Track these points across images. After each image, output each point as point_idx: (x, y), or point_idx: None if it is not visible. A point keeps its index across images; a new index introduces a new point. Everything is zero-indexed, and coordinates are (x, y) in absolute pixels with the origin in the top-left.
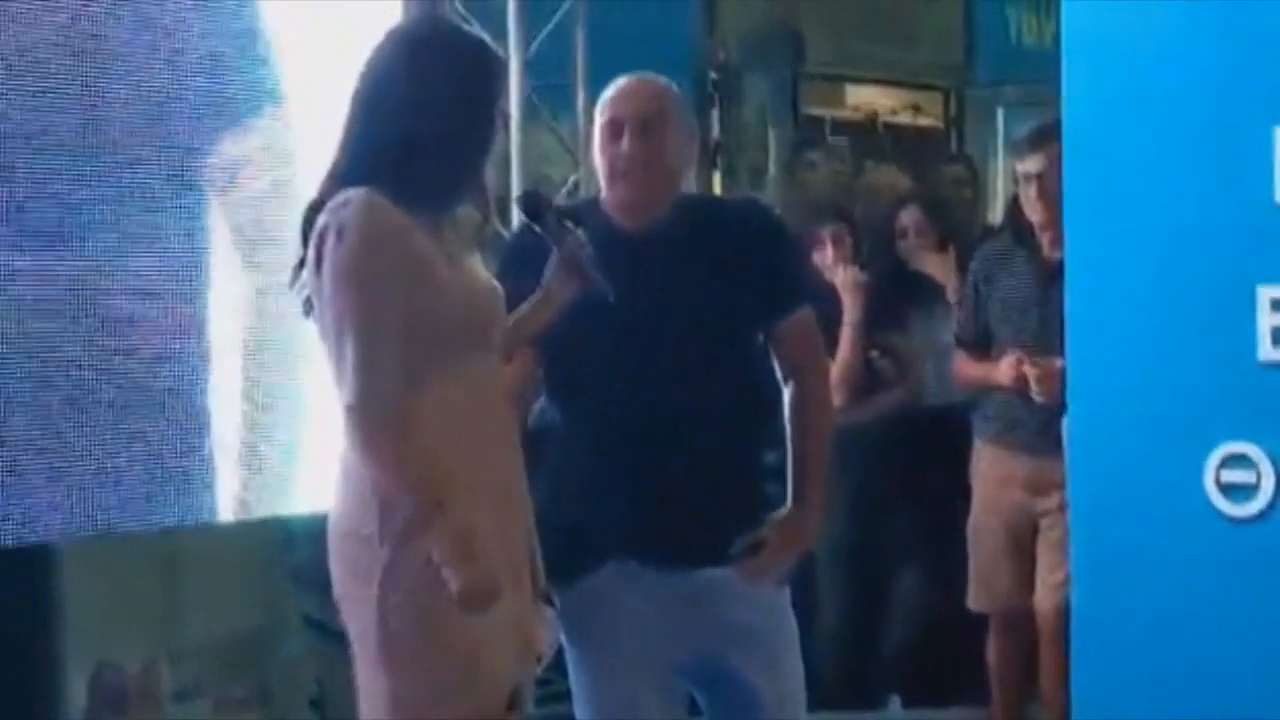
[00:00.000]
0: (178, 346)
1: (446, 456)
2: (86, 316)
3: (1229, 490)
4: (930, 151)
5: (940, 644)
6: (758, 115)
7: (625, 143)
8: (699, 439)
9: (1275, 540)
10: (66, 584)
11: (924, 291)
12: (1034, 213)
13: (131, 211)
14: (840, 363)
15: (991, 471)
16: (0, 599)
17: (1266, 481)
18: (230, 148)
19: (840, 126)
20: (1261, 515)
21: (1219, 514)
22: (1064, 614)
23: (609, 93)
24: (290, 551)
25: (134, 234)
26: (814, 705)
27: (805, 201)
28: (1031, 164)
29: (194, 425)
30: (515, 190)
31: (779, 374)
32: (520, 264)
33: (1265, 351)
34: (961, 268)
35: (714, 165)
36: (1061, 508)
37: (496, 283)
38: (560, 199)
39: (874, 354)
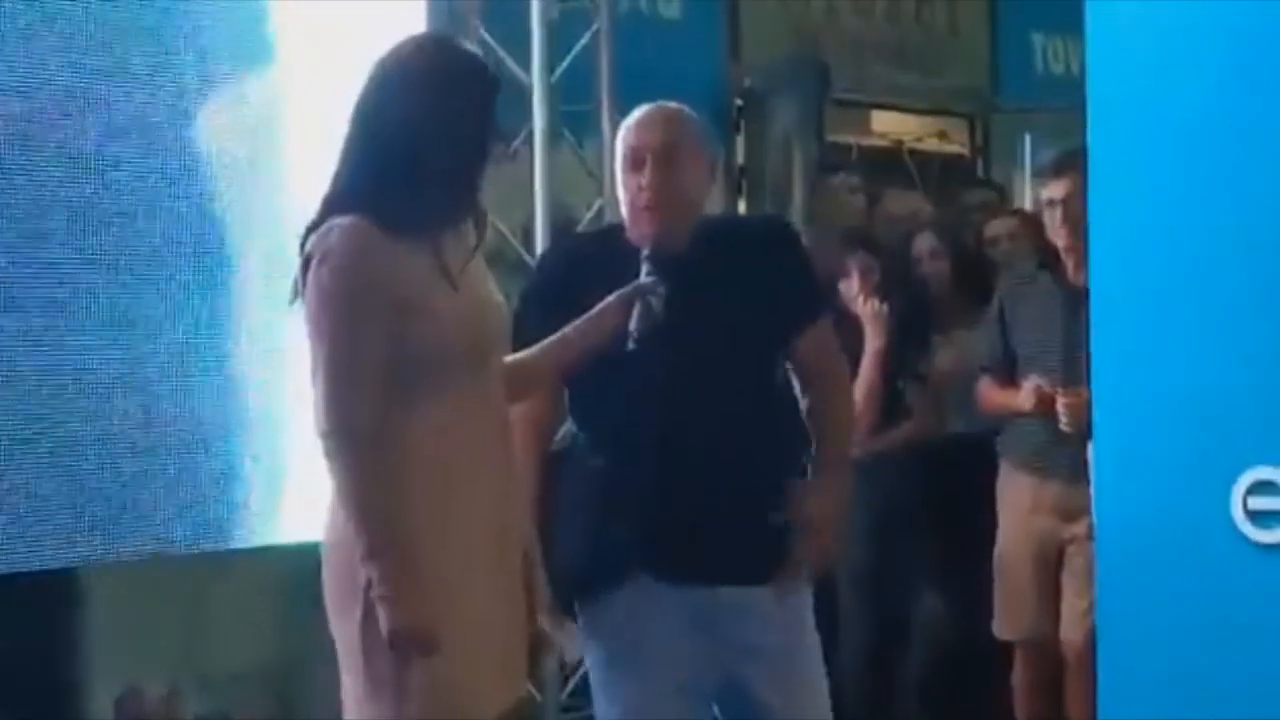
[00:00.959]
0: (203, 371)
1: (423, 489)
2: (111, 339)
3: (1256, 516)
4: (956, 178)
5: (966, 672)
6: (782, 141)
7: (644, 175)
8: (720, 457)
9: None
10: (91, 609)
11: (946, 317)
12: (1058, 238)
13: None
14: (863, 390)
15: (1018, 498)
16: (26, 624)
17: None
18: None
19: (865, 153)
20: None
21: (1246, 540)
22: (1092, 642)
23: (628, 123)
24: (316, 577)
25: (163, 253)
26: None
27: (824, 228)
28: (1056, 189)
29: (221, 450)
30: (539, 215)
31: (797, 385)
32: (546, 294)
33: None
34: (972, 294)
35: (738, 191)
36: (1088, 534)
37: (501, 302)
38: (584, 224)
39: (900, 383)
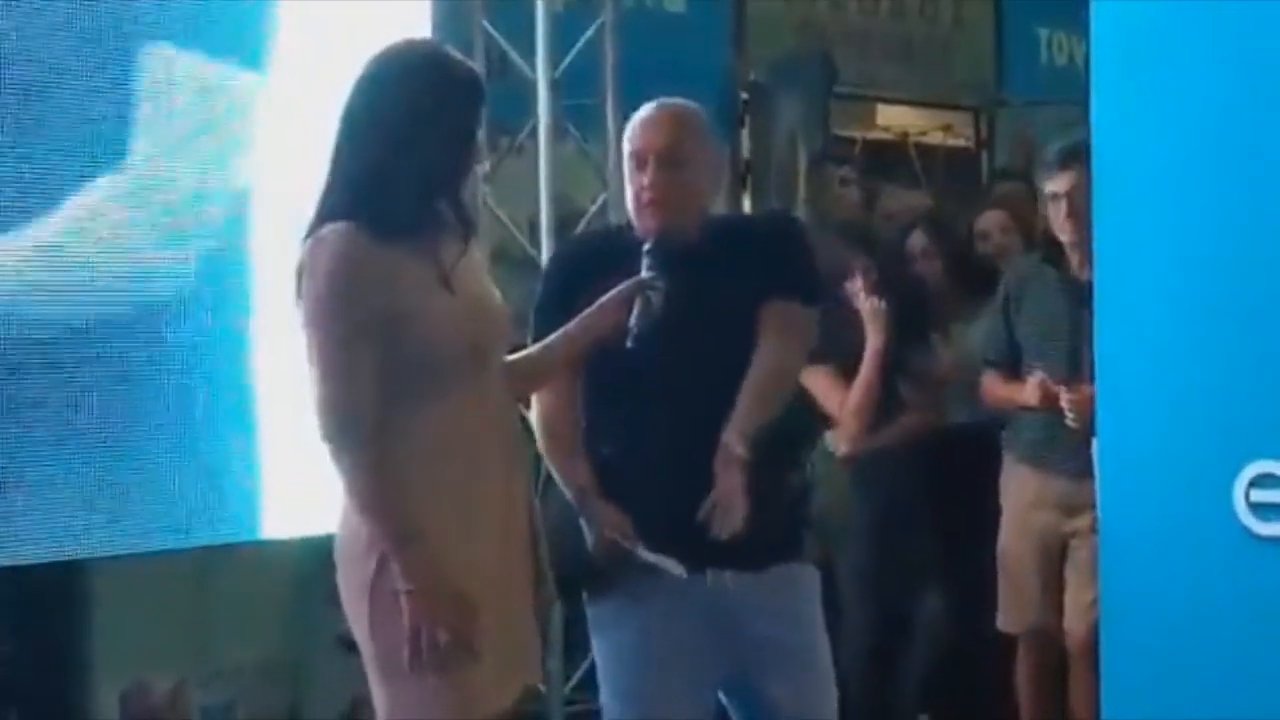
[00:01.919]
0: (214, 364)
1: (429, 482)
2: (120, 332)
3: (1259, 509)
4: (961, 172)
5: (969, 665)
6: (787, 135)
7: (647, 174)
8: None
9: None
10: (98, 602)
11: (942, 314)
12: (1062, 232)
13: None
14: (862, 387)
15: (1021, 491)
16: (33, 616)
17: None
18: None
19: (870, 146)
20: None
21: (1249, 533)
22: (1095, 636)
23: (633, 121)
24: (323, 571)
25: (179, 244)
26: None
27: (820, 221)
28: (1060, 183)
29: (229, 444)
30: (544, 209)
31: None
32: (558, 292)
33: None
34: (967, 289)
35: (743, 186)
36: (1092, 528)
37: (499, 300)
38: (589, 218)
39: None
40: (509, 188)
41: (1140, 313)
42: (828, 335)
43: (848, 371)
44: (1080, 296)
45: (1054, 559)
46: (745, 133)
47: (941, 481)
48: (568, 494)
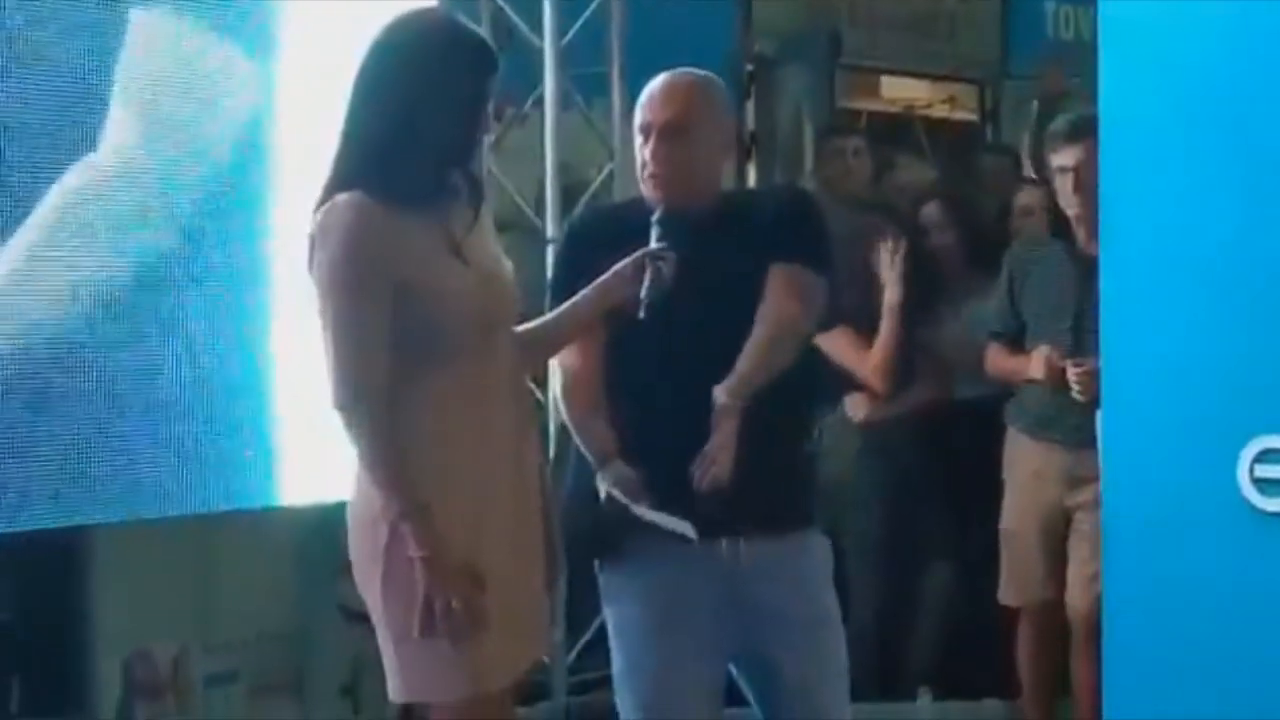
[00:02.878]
0: (215, 333)
1: (441, 450)
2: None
3: (1263, 485)
4: (966, 144)
5: (971, 637)
6: (793, 107)
7: (651, 147)
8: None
9: None
10: (101, 570)
11: (953, 285)
12: (1069, 206)
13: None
14: (882, 345)
15: (1025, 465)
16: (36, 585)
17: None
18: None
19: (875, 119)
20: None
21: (1253, 508)
22: (1097, 610)
23: (644, 93)
24: (325, 539)
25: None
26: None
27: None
28: (1067, 157)
29: (231, 412)
30: (549, 179)
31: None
32: (573, 265)
33: None
34: (983, 261)
35: (749, 157)
36: (1095, 502)
37: (509, 269)
38: (594, 188)
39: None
40: (514, 157)
41: (1146, 287)
42: (845, 300)
43: (866, 335)
44: (1086, 270)
45: (1057, 532)
46: (751, 104)
47: (950, 454)
48: (589, 457)
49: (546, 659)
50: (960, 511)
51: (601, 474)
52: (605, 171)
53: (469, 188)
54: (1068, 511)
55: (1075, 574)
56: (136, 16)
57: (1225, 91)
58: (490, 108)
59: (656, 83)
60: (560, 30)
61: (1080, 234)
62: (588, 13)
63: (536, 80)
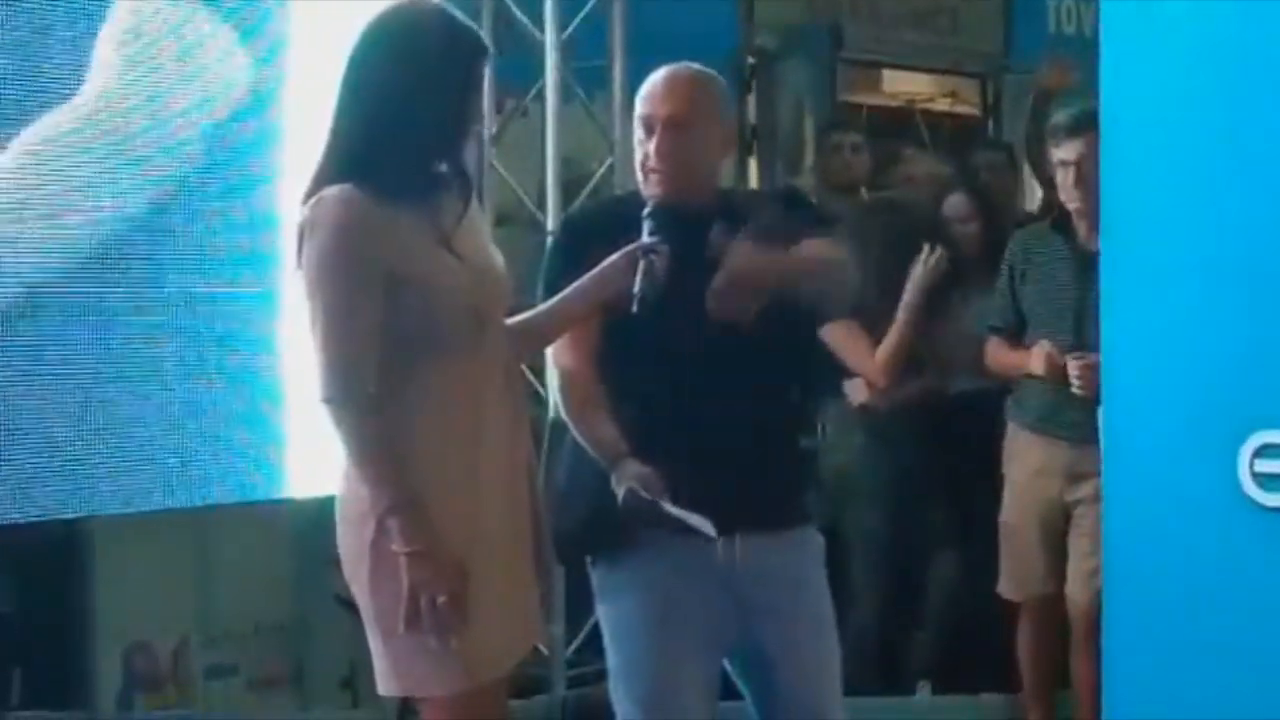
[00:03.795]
0: (219, 330)
1: (431, 444)
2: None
3: (1263, 479)
4: (967, 139)
5: (971, 631)
6: (794, 101)
7: (654, 142)
8: (733, 412)
9: None
10: (101, 562)
11: (963, 277)
12: (1071, 200)
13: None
14: (891, 343)
15: (1026, 459)
16: (36, 576)
17: None
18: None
19: (877, 112)
20: None
21: (1253, 503)
22: (1097, 604)
23: (642, 88)
24: (323, 532)
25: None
26: (844, 691)
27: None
28: (1069, 151)
29: (231, 406)
30: (550, 172)
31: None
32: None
33: None
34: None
35: (749, 152)
36: (1095, 496)
37: (500, 262)
38: (595, 181)
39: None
40: (515, 151)
41: (1147, 281)
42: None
43: (869, 329)
44: (1087, 264)
45: (1057, 527)
46: (751, 98)
47: (953, 447)
48: (596, 457)
49: (545, 650)
50: (961, 504)
51: (616, 473)
52: (606, 165)
53: (458, 180)
54: (1068, 506)
55: (1075, 568)
56: None
57: (1226, 86)
58: (483, 96)
59: (658, 76)
60: (561, 23)
61: (1081, 228)
62: (589, 6)
63: (537, 73)
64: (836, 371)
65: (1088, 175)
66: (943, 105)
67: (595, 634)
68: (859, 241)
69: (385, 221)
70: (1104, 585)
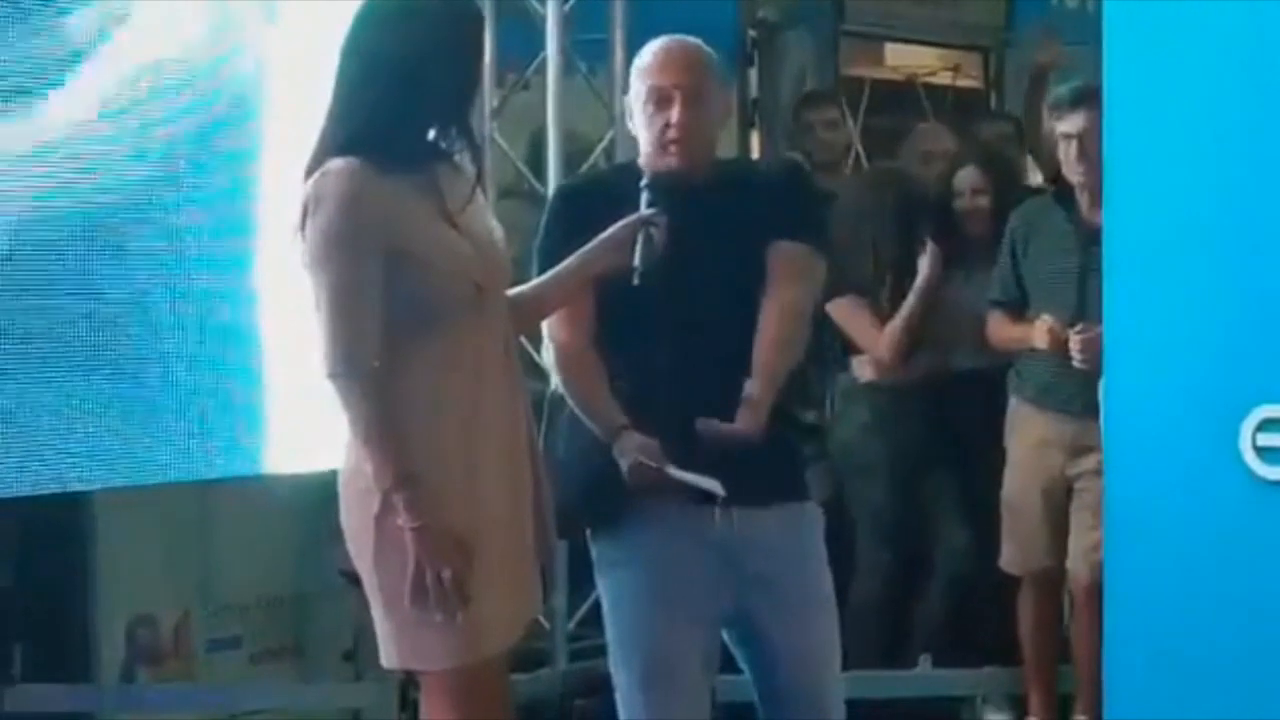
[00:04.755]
0: (220, 301)
1: (433, 418)
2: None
3: (1265, 453)
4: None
5: (972, 605)
6: (796, 74)
7: (675, 113)
8: (733, 385)
9: None
10: (104, 535)
11: (969, 252)
12: (1073, 174)
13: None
14: (900, 322)
15: (1028, 433)
16: (39, 549)
17: None
18: None
19: (879, 86)
20: None
21: (1255, 476)
22: (1099, 578)
23: (648, 59)
24: (326, 505)
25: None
26: (845, 665)
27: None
28: (1071, 124)
29: (233, 378)
30: (551, 144)
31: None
32: (562, 230)
33: None
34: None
35: (751, 124)
36: (1097, 470)
37: (502, 235)
38: (596, 154)
39: None
40: (516, 124)
41: (1149, 255)
42: (857, 270)
43: (875, 305)
44: (1090, 238)
45: (1059, 500)
46: (753, 71)
47: (958, 422)
48: (596, 430)
49: (546, 624)
50: (963, 478)
51: (618, 446)
52: (607, 138)
53: (468, 146)
54: (1070, 480)
55: (1077, 542)
56: None
57: (1230, 59)
58: (483, 64)
59: (663, 47)
60: None
61: (1083, 201)
62: None
63: (539, 46)
64: (840, 350)
65: (1090, 148)
66: (945, 78)
67: (597, 608)
68: (861, 213)
69: (390, 196)
70: (1105, 559)
